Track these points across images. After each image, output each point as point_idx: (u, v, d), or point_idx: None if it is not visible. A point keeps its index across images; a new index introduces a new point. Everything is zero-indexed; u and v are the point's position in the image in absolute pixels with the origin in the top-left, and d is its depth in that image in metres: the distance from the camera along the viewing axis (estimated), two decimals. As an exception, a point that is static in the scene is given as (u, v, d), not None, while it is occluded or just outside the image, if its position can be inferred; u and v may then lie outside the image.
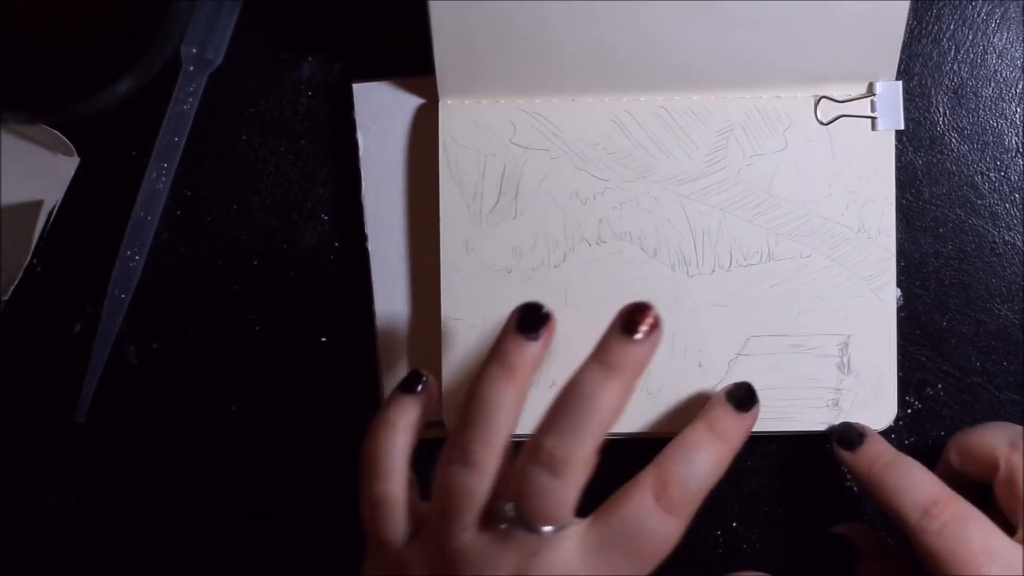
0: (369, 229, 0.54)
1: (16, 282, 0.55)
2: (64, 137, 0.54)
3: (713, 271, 0.52)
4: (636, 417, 0.52)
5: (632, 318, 0.45)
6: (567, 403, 0.44)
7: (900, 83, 0.52)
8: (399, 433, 0.48)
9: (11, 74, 0.52)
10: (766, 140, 0.52)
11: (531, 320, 0.46)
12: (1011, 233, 0.54)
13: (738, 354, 0.52)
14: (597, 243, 0.52)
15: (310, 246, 0.55)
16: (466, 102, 0.52)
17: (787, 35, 0.50)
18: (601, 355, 0.44)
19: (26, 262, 0.55)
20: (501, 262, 0.52)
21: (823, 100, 0.52)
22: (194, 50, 0.53)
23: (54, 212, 0.55)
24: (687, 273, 0.52)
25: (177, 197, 0.55)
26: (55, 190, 0.54)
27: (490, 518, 0.45)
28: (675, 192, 0.52)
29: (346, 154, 0.55)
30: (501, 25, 0.50)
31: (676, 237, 0.52)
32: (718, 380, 0.52)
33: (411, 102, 0.54)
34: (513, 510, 0.44)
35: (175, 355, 0.56)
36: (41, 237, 0.55)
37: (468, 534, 0.45)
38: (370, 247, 0.54)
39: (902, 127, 0.52)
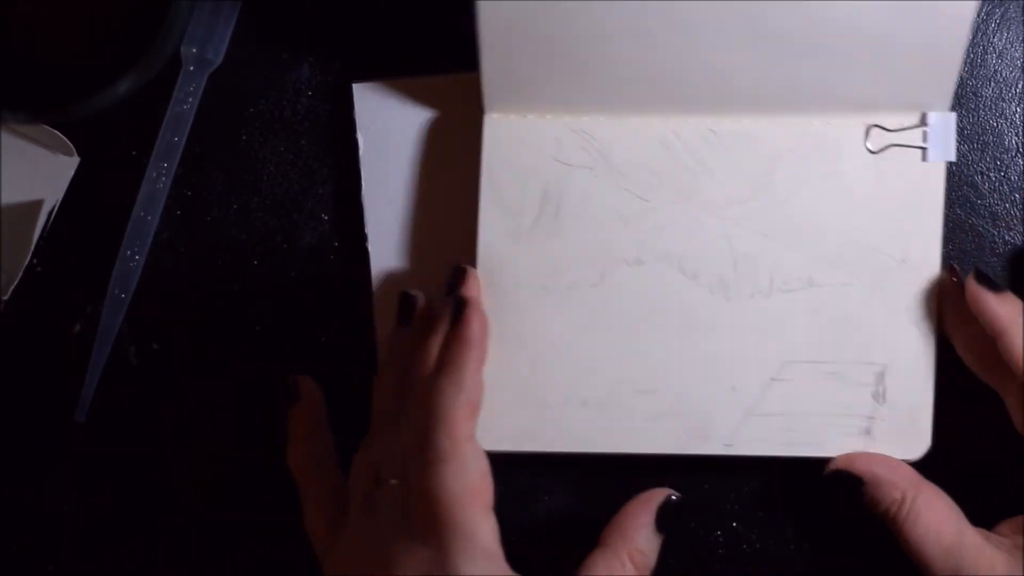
0: (369, 229, 0.54)
1: (16, 282, 0.55)
2: (64, 137, 0.54)
3: (752, 296, 0.51)
4: (666, 439, 0.51)
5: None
6: None
7: (954, 115, 0.51)
8: (304, 444, 0.52)
9: (11, 74, 0.52)
10: (814, 166, 0.51)
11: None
12: (1011, 233, 0.54)
13: (772, 379, 0.51)
14: (636, 264, 0.51)
15: (310, 246, 0.55)
16: (511, 117, 0.51)
17: (842, 62, 0.49)
18: None
19: (26, 262, 0.55)
20: (538, 280, 0.51)
21: (874, 129, 0.51)
22: (194, 50, 0.53)
23: (54, 212, 0.55)
24: (725, 297, 0.51)
25: (177, 197, 0.55)
26: (55, 190, 0.54)
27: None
28: (718, 215, 0.51)
29: (346, 154, 0.55)
30: (552, 41, 0.49)
31: (716, 261, 0.51)
32: (750, 403, 0.51)
33: (412, 102, 0.53)
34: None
35: (175, 355, 0.56)
36: (41, 237, 0.55)
37: (358, 508, 0.49)
38: (370, 247, 0.54)
39: (953, 159, 0.51)
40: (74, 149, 0.54)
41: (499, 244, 0.51)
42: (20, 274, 0.55)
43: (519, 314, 0.51)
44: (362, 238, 0.54)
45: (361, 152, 0.54)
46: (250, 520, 0.56)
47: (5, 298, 0.55)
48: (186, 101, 0.54)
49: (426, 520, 0.45)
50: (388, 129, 0.54)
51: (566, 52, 0.49)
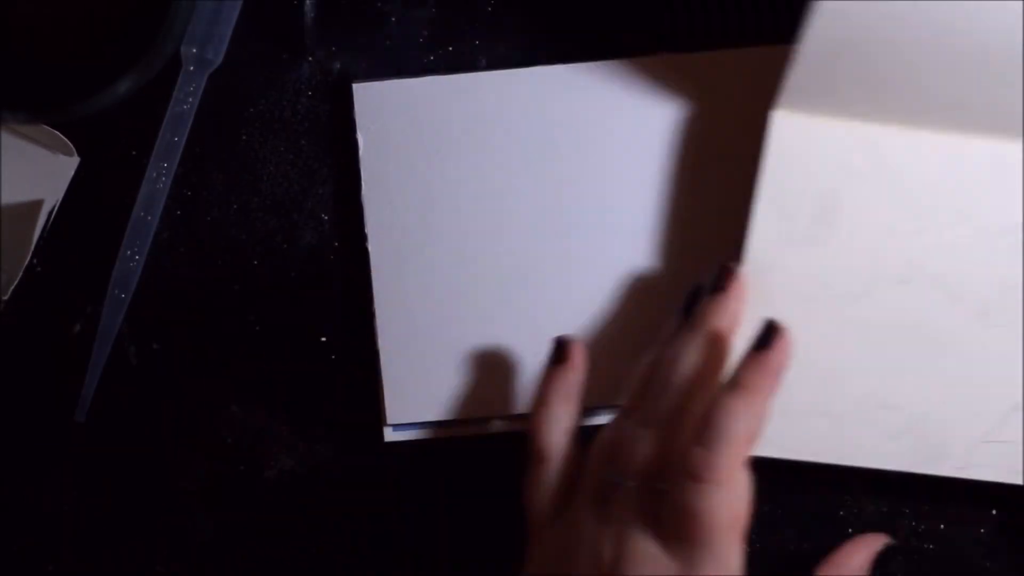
0: (369, 229, 0.54)
1: (16, 282, 0.55)
2: (64, 137, 0.54)
3: (1011, 324, 0.50)
4: (902, 457, 0.50)
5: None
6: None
7: None
8: (554, 409, 0.50)
9: (11, 74, 0.52)
10: None
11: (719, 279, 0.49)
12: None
13: (1017, 407, 0.50)
14: (902, 282, 0.50)
15: (310, 246, 0.55)
16: (799, 116, 0.50)
17: None
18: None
19: (26, 262, 0.55)
20: (803, 287, 0.50)
21: None
22: (194, 50, 0.53)
23: (54, 212, 0.55)
24: (985, 323, 0.50)
25: (177, 197, 0.55)
26: (55, 190, 0.54)
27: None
28: (993, 241, 0.50)
29: (346, 154, 0.55)
30: (870, 49, 0.47)
31: (983, 286, 0.50)
32: (989, 428, 0.50)
33: (412, 102, 0.53)
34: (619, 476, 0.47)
35: (175, 355, 0.56)
36: (41, 237, 0.55)
37: (591, 500, 0.48)
38: (370, 247, 0.54)
39: None
40: (74, 149, 0.54)
41: (770, 246, 0.50)
42: (20, 274, 0.55)
43: (777, 319, 0.48)
44: (362, 238, 0.54)
45: (361, 152, 0.54)
46: (250, 520, 0.56)
47: (5, 298, 0.55)
48: (186, 101, 0.54)
49: (681, 534, 0.45)
50: (388, 129, 0.54)
51: (880, 60, 0.47)
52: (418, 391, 0.54)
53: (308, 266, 0.55)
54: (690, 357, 0.48)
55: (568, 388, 0.51)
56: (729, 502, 0.45)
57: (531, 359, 0.53)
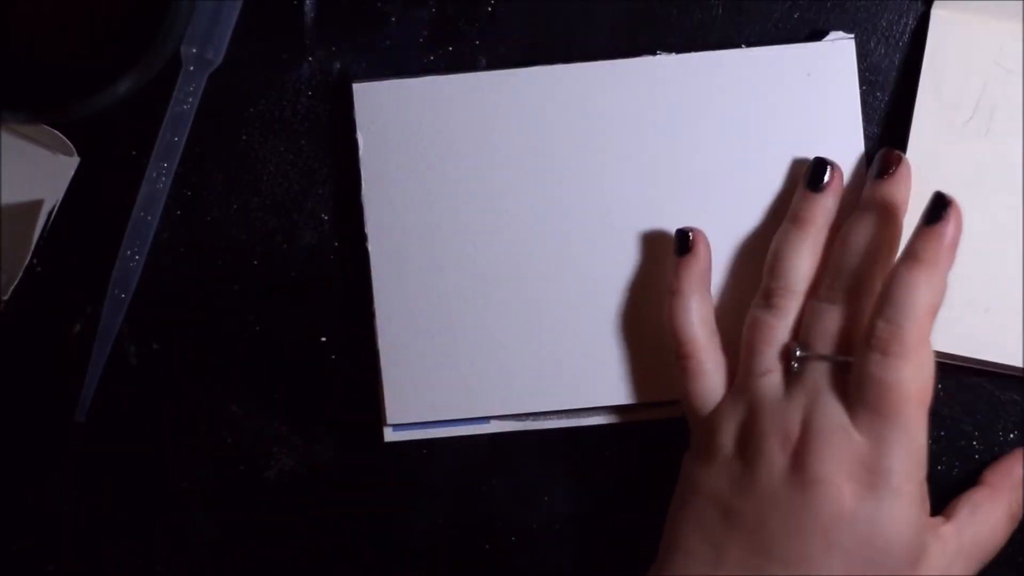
0: (369, 229, 0.54)
1: (16, 282, 0.55)
2: (64, 137, 0.54)
3: None
4: None
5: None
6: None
7: None
8: (688, 298, 0.51)
9: (11, 74, 0.52)
10: None
11: (816, 175, 0.51)
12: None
13: None
14: None
15: (310, 246, 0.55)
16: (956, 15, 0.51)
17: None
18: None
19: (26, 262, 0.55)
20: (962, 177, 0.51)
21: None
22: (194, 50, 0.53)
23: (54, 212, 0.55)
24: None
25: (177, 197, 0.55)
26: (55, 190, 0.54)
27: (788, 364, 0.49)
28: None
29: (346, 154, 0.55)
30: None
31: None
32: None
33: (412, 102, 0.53)
34: (800, 349, 0.48)
35: (175, 355, 0.56)
36: (41, 237, 0.55)
37: (768, 377, 0.49)
38: (370, 247, 0.54)
39: None
40: (74, 149, 0.54)
41: (931, 135, 0.51)
42: (20, 274, 0.55)
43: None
44: (362, 238, 0.54)
45: (361, 152, 0.54)
46: (250, 520, 0.56)
47: (5, 298, 0.55)
48: (186, 101, 0.54)
49: (870, 407, 0.46)
50: (388, 129, 0.54)
51: None
52: (418, 391, 0.54)
53: (308, 266, 0.55)
54: (866, 238, 0.49)
55: (697, 276, 0.51)
56: (916, 375, 0.46)
57: (531, 358, 0.53)
